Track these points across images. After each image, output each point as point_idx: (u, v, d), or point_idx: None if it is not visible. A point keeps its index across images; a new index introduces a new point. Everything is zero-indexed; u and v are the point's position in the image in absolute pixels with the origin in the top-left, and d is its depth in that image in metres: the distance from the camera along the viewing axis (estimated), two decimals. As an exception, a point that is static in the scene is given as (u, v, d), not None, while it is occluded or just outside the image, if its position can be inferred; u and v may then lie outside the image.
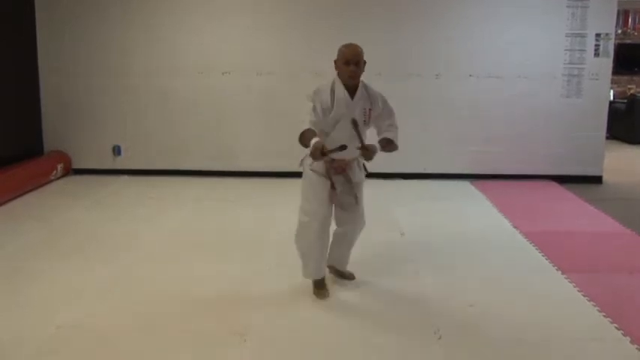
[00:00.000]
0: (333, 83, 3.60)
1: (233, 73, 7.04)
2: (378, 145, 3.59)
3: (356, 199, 3.76)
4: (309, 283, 3.84)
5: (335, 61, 3.63)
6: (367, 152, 3.47)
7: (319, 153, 3.26)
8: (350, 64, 3.52)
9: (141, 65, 7.08)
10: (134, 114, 7.19)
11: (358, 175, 3.78)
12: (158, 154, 7.25)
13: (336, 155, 3.39)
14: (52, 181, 6.82)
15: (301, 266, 3.81)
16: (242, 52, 7.00)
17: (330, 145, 3.34)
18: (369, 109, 3.65)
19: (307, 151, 3.41)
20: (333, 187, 3.62)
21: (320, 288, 3.78)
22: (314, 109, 3.50)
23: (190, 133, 7.19)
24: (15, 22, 6.75)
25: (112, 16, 6.98)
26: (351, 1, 6.86)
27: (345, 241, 3.91)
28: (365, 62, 3.60)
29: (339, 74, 3.62)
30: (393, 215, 5.63)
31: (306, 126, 3.42)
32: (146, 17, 6.98)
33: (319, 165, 3.58)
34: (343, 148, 3.32)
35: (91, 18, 6.98)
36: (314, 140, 3.28)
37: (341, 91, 3.56)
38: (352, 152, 3.52)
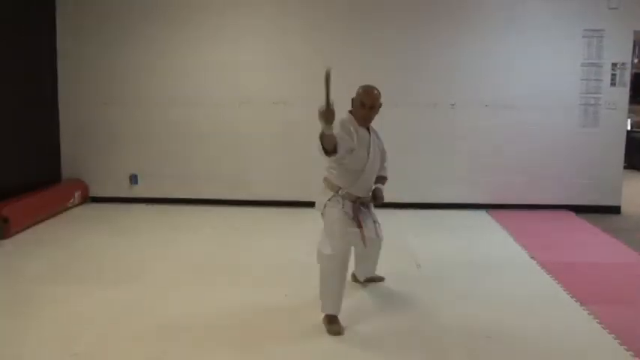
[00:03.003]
0: (351, 121, 3.71)
1: (250, 103, 7.11)
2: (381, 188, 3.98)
3: (375, 222, 4.04)
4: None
5: (353, 99, 3.78)
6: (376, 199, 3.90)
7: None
8: (366, 107, 3.68)
9: (158, 95, 7.18)
10: (151, 143, 7.28)
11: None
12: (175, 182, 7.31)
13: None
14: (69, 208, 6.89)
15: (321, 300, 3.74)
16: (258, 82, 7.08)
17: (347, 183, 3.74)
18: (382, 149, 3.99)
19: (326, 194, 3.78)
20: (360, 225, 3.78)
21: (334, 323, 3.68)
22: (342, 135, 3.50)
23: (207, 162, 7.25)
24: (35, 52, 6.90)
25: (129, 47, 7.14)
26: (367, 33, 6.93)
27: (372, 258, 4.33)
28: (381, 105, 3.75)
29: (353, 113, 3.76)
30: (408, 246, 5.60)
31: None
32: (164, 45, 7.12)
33: (348, 206, 3.77)
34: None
35: (110, 48, 7.15)
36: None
37: (361, 131, 3.72)
38: (369, 190, 3.90)
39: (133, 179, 7.30)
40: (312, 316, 3.79)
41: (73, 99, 7.25)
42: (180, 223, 6.46)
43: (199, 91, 7.14)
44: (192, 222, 6.53)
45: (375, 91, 3.70)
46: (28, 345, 3.47)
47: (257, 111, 7.10)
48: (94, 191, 7.37)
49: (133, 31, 7.11)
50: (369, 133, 3.81)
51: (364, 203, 3.86)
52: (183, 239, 5.82)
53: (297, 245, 5.32)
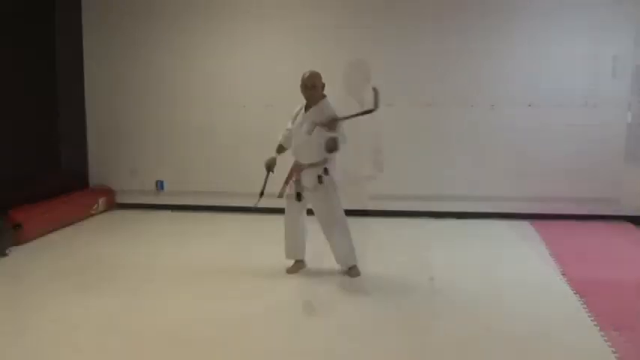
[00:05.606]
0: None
1: (276, 106, 6.80)
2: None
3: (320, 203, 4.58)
4: (326, 320, 3.87)
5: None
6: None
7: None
8: (307, 88, 4.45)
9: (185, 101, 7.03)
10: (178, 150, 7.13)
11: (309, 181, 4.53)
12: (201, 189, 7.12)
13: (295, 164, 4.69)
14: (92, 215, 6.81)
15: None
16: (283, 84, 6.76)
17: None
18: (316, 123, 4.36)
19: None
20: (286, 181, 4.72)
21: (291, 265, 4.83)
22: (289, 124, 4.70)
23: (234, 169, 6.99)
24: (64, 61, 6.92)
25: (159, 56, 7.03)
26: (394, 29, 6.48)
27: (327, 235, 4.65)
28: (323, 85, 4.48)
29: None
30: (430, 257, 5.14)
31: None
32: (195, 54, 6.98)
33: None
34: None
35: (138, 58, 7.08)
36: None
37: (300, 108, 4.62)
38: (305, 157, 4.53)
39: (159, 185, 7.17)
40: (321, 321, 3.83)
41: (100, 108, 7.22)
42: (204, 230, 6.30)
43: (224, 95, 6.95)
44: (215, 229, 6.35)
45: (313, 74, 4.41)
46: (27, 353, 3.39)
47: (282, 114, 6.78)
48: (121, 198, 7.29)
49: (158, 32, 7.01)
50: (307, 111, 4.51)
51: (302, 167, 4.54)
52: (203, 246, 5.65)
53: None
